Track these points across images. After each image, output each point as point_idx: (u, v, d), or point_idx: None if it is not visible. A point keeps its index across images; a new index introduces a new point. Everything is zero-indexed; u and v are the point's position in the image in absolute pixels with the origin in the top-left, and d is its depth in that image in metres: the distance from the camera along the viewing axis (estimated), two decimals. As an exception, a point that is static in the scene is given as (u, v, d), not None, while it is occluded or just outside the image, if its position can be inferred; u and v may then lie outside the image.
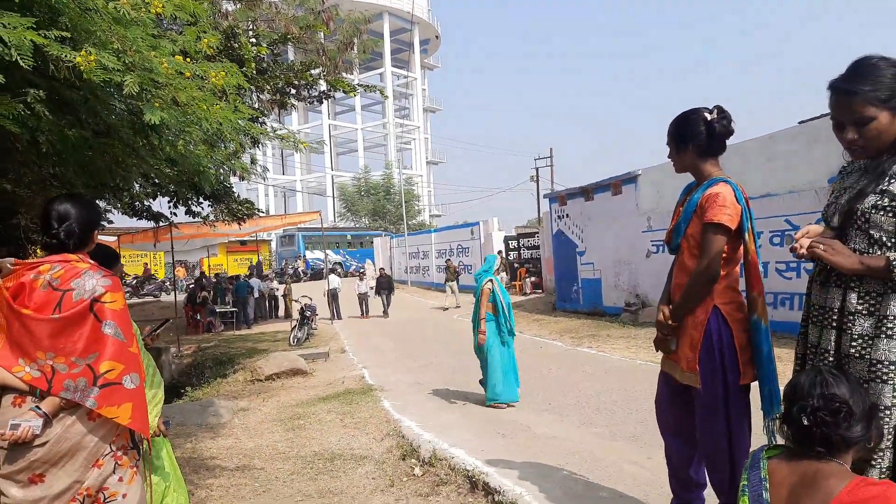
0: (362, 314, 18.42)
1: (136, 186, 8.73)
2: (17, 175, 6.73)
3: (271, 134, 6.24)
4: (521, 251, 23.02)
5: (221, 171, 4.91)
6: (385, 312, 18.25)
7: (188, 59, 2.90)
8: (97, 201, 9.09)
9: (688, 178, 2.77)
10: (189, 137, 3.24)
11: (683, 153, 2.61)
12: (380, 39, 48.33)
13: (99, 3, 2.51)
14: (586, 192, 14.43)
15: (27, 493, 2.11)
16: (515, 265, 22.85)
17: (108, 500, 2.22)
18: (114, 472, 2.24)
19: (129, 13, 2.55)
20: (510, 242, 23.58)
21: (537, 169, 37.66)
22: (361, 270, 21.72)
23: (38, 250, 10.18)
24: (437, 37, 67.84)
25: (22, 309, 2.23)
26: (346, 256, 38.23)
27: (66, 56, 2.42)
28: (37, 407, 2.14)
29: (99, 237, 2.62)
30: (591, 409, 5.97)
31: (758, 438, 2.42)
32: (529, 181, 38.52)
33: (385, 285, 18.71)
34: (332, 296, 17.67)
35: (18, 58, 2.26)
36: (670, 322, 2.59)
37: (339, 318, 17.79)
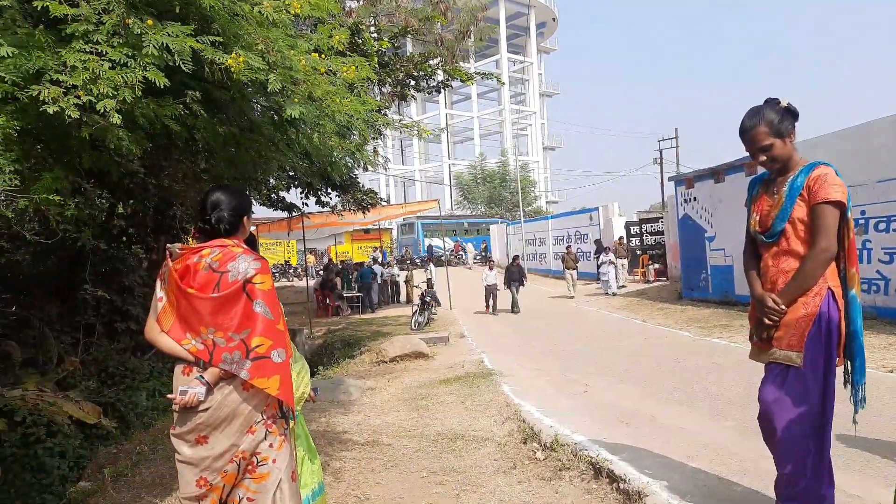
0: (487, 308, 15.87)
1: (273, 179, 9.42)
2: (173, 171, 7.51)
3: (396, 124, 6.45)
4: (644, 237, 22.09)
5: (350, 161, 5.18)
6: (515, 307, 15.54)
7: (322, 56, 3.08)
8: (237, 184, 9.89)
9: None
10: (323, 130, 3.45)
11: (787, 138, 2.63)
12: (495, 26, 48.19)
13: (246, 8, 2.75)
14: (716, 174, 13.57)
15: (194, 452, 2.37)
16: (638, 252, 22.00)
17: (259, 463, 2.44)
18: (265, 438, 2.44)
19: (271, 15, 2.76)
20: (632, 228, 22.71)
21: (661, 151, 35.93)
22: (489, 257, 20.61)
23: (189, 238, 11.31)
24: (553, 19, 66.38)
25: (187, 288, 2.47)
26: (464, 243, 38.76)
27: (218, 59, 2.67)
28: (201, 376, 2.38)
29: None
30: (722, 402, 5.65)
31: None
32: (652, 164, 36.86)
33: (516, 276, 15.83)
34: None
35: (181, 62, 2.53)
36: (782, 307, 2.57)
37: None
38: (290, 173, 7.06)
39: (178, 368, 2.44)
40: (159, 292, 2.56)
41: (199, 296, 2.44)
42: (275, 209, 12.80)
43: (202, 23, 2.89)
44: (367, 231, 35.22)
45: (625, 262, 20.28)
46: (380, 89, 11.89)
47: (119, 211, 9.81)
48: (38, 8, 2.51)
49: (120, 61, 2.52)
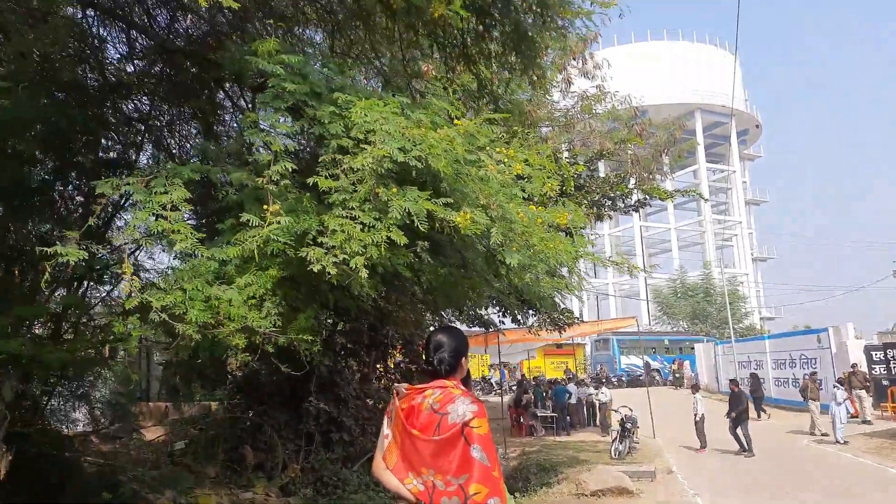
0: (701, 447, 13.49)
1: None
2: (390, 297, 8.24)
3: (607, 262, 6.48)
4: (891, 364, 18.69)
5: (557, 293, 5.28)
6: (746, 447, 12.67)
7: (539, 207, 3.29)
8: (446, 311, 10.47)
9: None
10: (535, 271, 3.61)
11: None
12: (692, 138, 47.12)
13: (472, 171, 3.07)
14: None
15: None
16: (884, 382, 18.58)
17: None
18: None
19: (495, 176, 3.05)
20: (874, 354, 19.39)
21: (903, 261, 30.94)
22: (692, 380, 16.61)
23: (396, 353, 12.11)
24: (757, 126, 63.22)
25: (412, 429, 2.60)
26: (664, 363, 36.13)
27: (448, 217, 2.98)
28: (420, 518, 2.44)
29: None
30: None
31: None
32: (893, 277, 31.81)
33: (743, 402, 12.99)
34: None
35: (418, 224, 2.88)
36: None
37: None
38: (498, 300, 7.40)
39: None
40: (386, 429, 2.73)
41: (422, 437, 2.55)
42: (471, 326, 13.28)
43: (434, 183, 3.28)
44: (559, 346, 34.61)
45: (862, 393, 17.03)
46: (577, 207, 12.11)
47: (340, 328, 10.93)
48: (310, 184, 3.05)
49: (369, 224, 2.93)
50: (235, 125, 6.02)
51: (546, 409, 18.87)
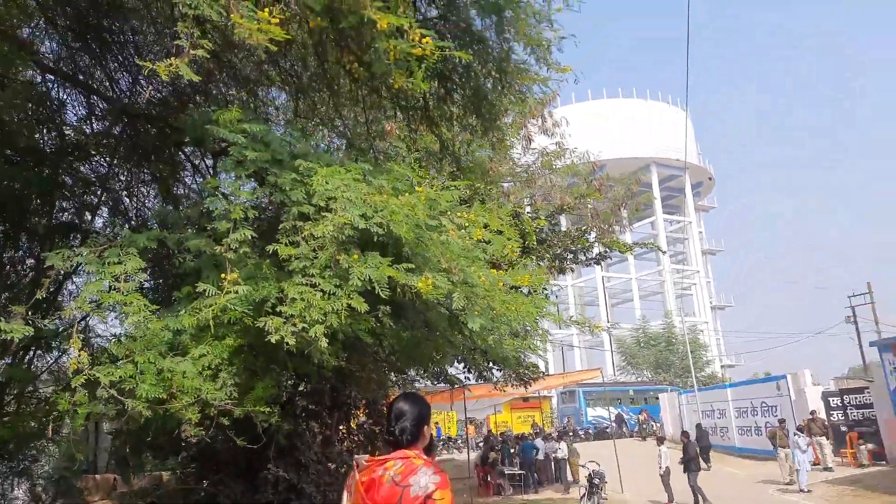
0: (669, 500, 13.47)
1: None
2: (352, 358, 8.09)
3: (568, 321, 6.53)
4: (848, 410, 19.07)
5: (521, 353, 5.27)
6: (700, 499, 12.66)
7: (500, 271, 3.32)
8: (410, 371, 10.32)
9: None
10: (497, 333, 3.61)
11: None
12: (649, 192, 48.70)
13: (434, 236, 3.10)
14: (933, 340, 11.72)
15: None
16: (843, 428, 18.90)
17: None
18: None
19: (456, 241, 3.08)
20: (831, 400, 19.79)
21: (853, 308, 32.10)
22: (658, 431, 16.50)
23: (359, 414, 11.80)
24: (710, 178, 65.84)
25: (371, 503, 2.53)
26: (630, 414, 36.11)
27: (410, 283, 2.98)
28: None
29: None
30: None
31: None
32: (845, 322, 32.87)
33: (693, 455, 13.00)
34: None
35: (379, 290, 2.86)
36: None
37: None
38: (461, 359, 7.35)
39: None
40: (345, 503, 2.64)
41: None
42: (437, 382, 13.11)
43: (395, 248, 3.28)
44: (525, 400, 34.34)
45: (822, 440, 17.26)
46: (538, 264, 12.25)
47: (301, 388, 10.63)
48: (270, 252, 3.03)
49: (329, 291, 2.90)
50: (195, 187, 5.97)
51: (514, 465, 18.52)
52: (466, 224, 3.23)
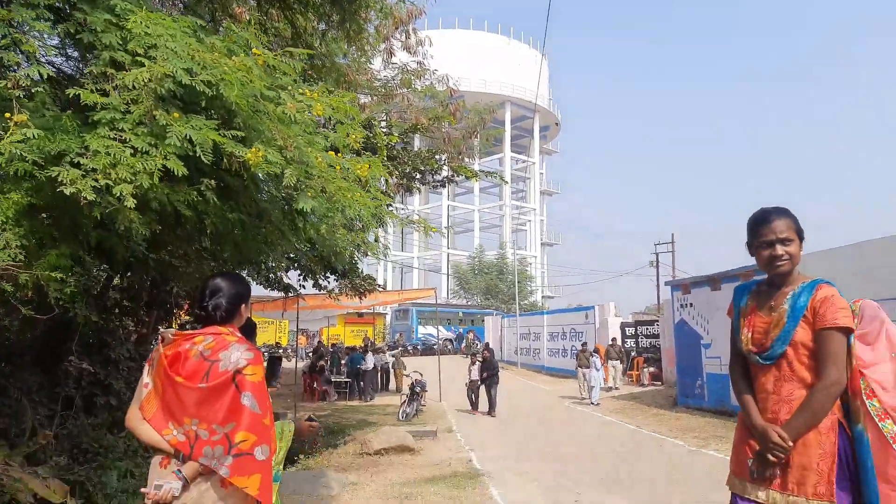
0: (472, 409, 14.77)
1: (274, 262, 9.47)
2: (174, 248, 7.54)
3: (403, 219, 6.56)
4: (640, 339, 21.97)
5: (354, 251, 5.23)
6: (491, 410, 14.16)
7: (339, 155, 3.19)
8: (241, 269, 9.89)
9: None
10: (331, 222, 3.51)
11: (800, 248, 2.45)
12: (501, 128, 50.19)
13: (269, 107, 2.87)
14: (713, 281, 13.69)
15: None
16: (632, 354, 21.79)
17: None
18: (239, 538, 2.31)
19: (294, 115, 2.88)
20: (627, 329, 22.62)
21: (657, 255, 36.39)
22: (475, 352, 18.52)
23: (181, 314, 11.20)
24: (556, 124, 69.30)
25: (175, 376, 2.39)
26: (458, 333, 38.43)
27: (238, 152, 2.75)
28: (178, 470, 2.26)
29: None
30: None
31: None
32: (649, 267, 37.24)
33: (491, 369, 14.42)
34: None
35: (201, 154, 2.61)
36: (789, 443, 2.29)
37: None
38: (292, 256, 7.15)
39: (156, 459, 2.34)
40: (146, 378, 2.49)
41: (187, 385, 2.36)
42: (271, 289, 12.78)
43: (226, 117, 3.01)
44: (360, 315, 34.98)
45: (617, 363, 19.83)
46: (386, 181, 12.18)
47: (115, 283, 9.77)
48: (70, 96, 2.61)
49: (142, 149, 2.59)
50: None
51: (342, 374, 18.97)
52: (309, 101, 3.04)
